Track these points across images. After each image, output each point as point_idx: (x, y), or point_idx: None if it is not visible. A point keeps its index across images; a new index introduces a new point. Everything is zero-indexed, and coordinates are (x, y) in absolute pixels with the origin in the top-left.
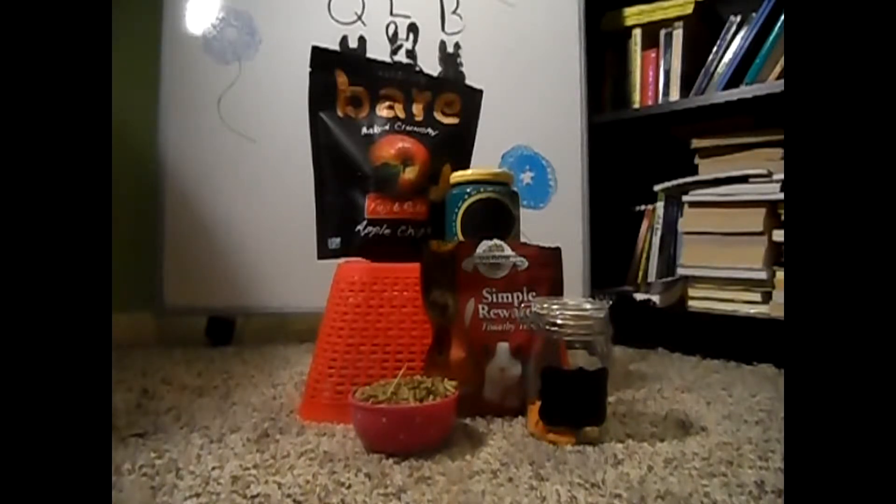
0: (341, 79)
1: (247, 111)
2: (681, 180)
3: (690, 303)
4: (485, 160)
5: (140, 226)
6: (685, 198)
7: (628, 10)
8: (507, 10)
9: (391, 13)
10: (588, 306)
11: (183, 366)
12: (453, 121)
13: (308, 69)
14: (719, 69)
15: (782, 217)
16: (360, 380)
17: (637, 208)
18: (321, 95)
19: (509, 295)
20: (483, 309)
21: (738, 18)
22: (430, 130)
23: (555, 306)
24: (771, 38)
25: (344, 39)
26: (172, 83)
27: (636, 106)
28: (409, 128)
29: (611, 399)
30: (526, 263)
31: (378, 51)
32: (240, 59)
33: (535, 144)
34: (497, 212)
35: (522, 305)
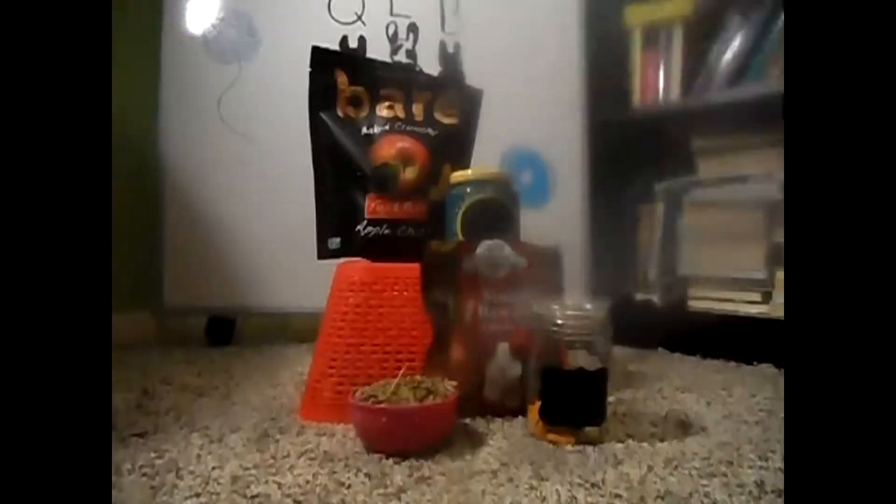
0: (341, 79)
1: (247, 111)
2: (681, 180)
3: (690, 303)
4: (485, 160)
5: (140, 226)
6: (685, 198)
7: (628, 10)
8: (506, 10)
9: (391, 13)
10: (588, 306)
11: (183, 366)
12: (453, 121)
13: (308, 69)
14: (719, 69)
15: (782, 217)
16: (360, 380)
17: (637, 208)
18: (321, 95)
19: (509, 295)
20: (483, 309)
21: (739, 18)
22: (430, 130)
23: (555, 306)
24: (771, 37)
25: (344, 39)
26: (172, 83)
27: (636, 106)
28: (409, 128)
29: (611, 399)
30: (526, 263)
31: (378, 51)
32: (240, 59)
33: (535, 144)
34: (497, 212)
35: (522, 305)
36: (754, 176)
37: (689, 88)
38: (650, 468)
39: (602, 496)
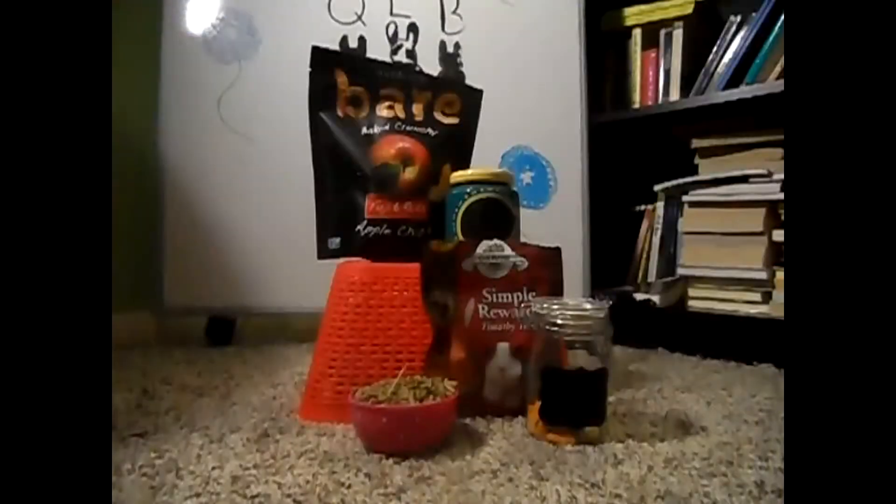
0: (341, 79)
1: (247, 111)
2: (681, 180)
3: (690, 303)
4: (485, 160)
5: (140, 226)
6: (685, 198)
7: (628, 10)
8: (506, 9)
9: (391, 13)
10: (588, 306)
11: (183, 366)
12: (453, 121)
13: (308, 69)
14: (719, 69)
15: (782, 217)
16: (360, 380)
17: (637, 208)
18: (321, 95)
19: (509, 295)
20: (483, 309)
21: (738, 18)
22: (430, 130)
23: (555, 306)
24: (771, 38)
25: (344, 39)
26: (172, 83)
27: (636, 106)
28: (409, 128)
29: (611, 399)
30: (526, 263)
31: (378, 51)
32: (240, 59)
33: (535, 144)
34: (497, 212)
35: (522, 305)
36: (754, 176)
37: (689, 88)
38: (650, 468)
39: (602, 496)
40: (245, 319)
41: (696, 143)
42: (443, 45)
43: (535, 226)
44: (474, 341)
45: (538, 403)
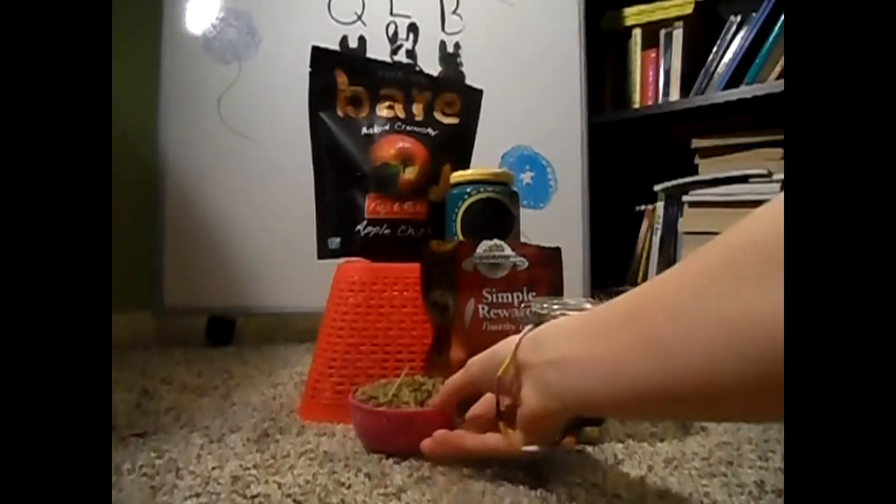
0: (341, 79)
1: (247, 111)
2: (681, 180)
3: None
4: (485, 160)
5: (140, 226)
6: (685, 198)
7: (628, 10)
8: (506, 9)
9: (391, 13)
10: (588, 306)
11: (183, 366)
12: (453, 121)
13: (308, 69)
14: (719, 69)
15: None
16: (360, 380)
17: (637, 208)
18: (321, 95)
19: (509, 295)
20: (483, 309)
21: (738, 18)
22: (430, 130)
23: (555, 306)
24: (771, 38)
25: (344, 39)
26: (172, 83)
27: (636, 106)
28: (409, 128)
29: None
30: (526, 263)
31: (378, 51)
32: (240, 59)
33: (535, 144)
34: (497, 212)
35: (522, 305)
36: (754, 176)
37: (689, 88)
38: (650, 468)
39: (602, 496)
40: (245, 319)
41: (696, 143)
42: (443, 45)
43: (535, 226)
44: (474, 341)
45: None
